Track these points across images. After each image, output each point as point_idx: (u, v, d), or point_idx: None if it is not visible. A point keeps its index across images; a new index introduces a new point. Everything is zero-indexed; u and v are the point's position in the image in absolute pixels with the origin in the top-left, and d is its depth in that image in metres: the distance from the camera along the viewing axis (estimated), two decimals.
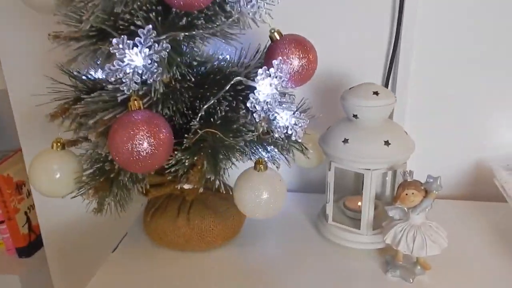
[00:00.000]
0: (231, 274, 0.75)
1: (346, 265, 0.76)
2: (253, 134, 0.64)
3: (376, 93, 0.73)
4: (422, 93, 0.94)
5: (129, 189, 0.67)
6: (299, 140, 0.69)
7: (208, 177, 0.63)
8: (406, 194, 0.68)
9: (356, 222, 0.80)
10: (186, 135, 0.64)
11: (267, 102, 0.63)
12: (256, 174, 0.67)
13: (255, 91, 0.61)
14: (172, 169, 0.63)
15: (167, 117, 0.65)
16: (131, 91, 0.57)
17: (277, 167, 0.84)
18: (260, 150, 0.80)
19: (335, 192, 0.88)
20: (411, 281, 0.71)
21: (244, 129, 0.65)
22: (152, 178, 0.74)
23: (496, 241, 0.81)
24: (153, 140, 0.55)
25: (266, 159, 0.74)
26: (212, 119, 0.64)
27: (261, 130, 0.63)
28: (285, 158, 0.82)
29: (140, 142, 0.54)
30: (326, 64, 0.94)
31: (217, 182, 0.65)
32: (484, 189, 0.99)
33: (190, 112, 0.66)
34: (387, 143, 0.73)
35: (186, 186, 0.62)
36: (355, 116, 0.75)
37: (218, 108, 0.65)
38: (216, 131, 0.62)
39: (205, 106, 0.64)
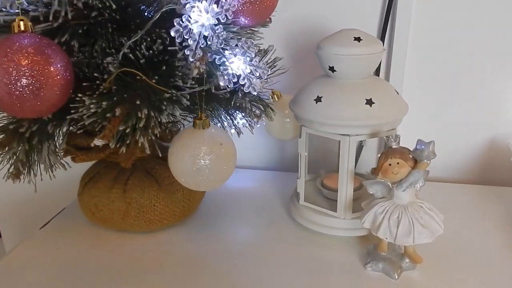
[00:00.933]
0: (175, 264, 0.60)
1: (318, 256, 0.61)
2: (188, 78, 0.50)
3: (358, 39, 0.58)
4: (423, 51, 0.78)
5: (36, 147, 0.53)
6: (255, 93, 0.55)
7: (127, 132, 0.49)
8: (390, 165, 0.53)
9: (333, 204, 0.65)
10: (102, 78, 0.50)
11: (204, 36, 0.48)
12: (192, 132, 0.53)
13: (184, 17, 0.46)
14: (87, 122, 0.50)
15: (86, 56, 0.52)
16: (19, 9, 0.43)
17: (237, 132, 0.70)
18: (220, 110, 0.67)
19: (315, 168, 0.73)
20: (396, 277, 0.55)
21: (179, 73, 0.51)
22: (80, 138, 0.60)
23: (508, 231, 0.65)
24: (37, 74, 0.41)
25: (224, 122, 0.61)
26: (138, 59, 0.50)
27: (195, 72, 0.49)
28: (247, 121, 0.68)
29: (19, 74, 0.41)
30: (308, 16, 0.79)
31: (142, 142, 0.50)
32: (499, 171, 0.82)
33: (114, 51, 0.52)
34: (369, 102, 0.57)
35: (97, 142, 0.48)
36: (331, 69, 0.59)
37: (146, 46, 0.51)
38: (137, 72, 0.48)
39: (130, 42, 0.50)
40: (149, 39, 0.51)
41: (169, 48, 0.50)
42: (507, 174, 0.80)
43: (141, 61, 0.50)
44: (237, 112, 0.70)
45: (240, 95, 0.58)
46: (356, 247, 0.62)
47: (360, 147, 0.78)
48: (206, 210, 0.73)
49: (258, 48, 0.57)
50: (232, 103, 0.58)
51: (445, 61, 0.78)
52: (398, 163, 0.52)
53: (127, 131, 0.49)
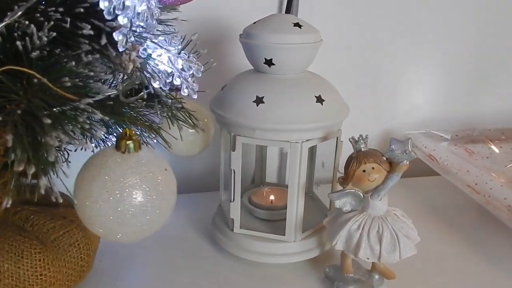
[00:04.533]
0: None
1: None
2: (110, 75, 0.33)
3: (297, 25, 0.48)
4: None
5: None
6: (195, 96, 0.40)
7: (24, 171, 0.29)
8: (364, 171, 0.44)
9: (272, 225, 0.54)
10: None
11: (138, 15, 0.32)
12: (118, 157, 0.35)
13: None
14: None
15: None
16: None
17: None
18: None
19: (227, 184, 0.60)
20: None
21: (88, 73, 0.33)
22: None
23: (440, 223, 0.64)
24: None
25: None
26: (26, 52, 0.30)
27: (130, 68, 0.32)
28: (162, 137, 0.52)
29: None
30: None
31: (44, 181, 0.31)
32: None
33: None
34: (319, 99, 0.48)
35: None
36: (268, 62, 0.48)
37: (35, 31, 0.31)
38: (30, 72, 0.29)
39: (3, 24, 0.30)
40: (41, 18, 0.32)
41: (81, 32, 0.31)
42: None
43: (33, 54, 0.30)
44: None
45: (163, 101, 0.42)
46: (312, 272, 0.52)
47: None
48: (98, 262, 0.53)
49: (181, 38, 0.42)
50: (159, 112, 0.41)
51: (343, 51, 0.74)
52: (373, 168, 0.44)
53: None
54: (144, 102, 0.43)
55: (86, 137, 0.44)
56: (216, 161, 0.58)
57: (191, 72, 0.41)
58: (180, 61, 0.39)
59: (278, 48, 0.47)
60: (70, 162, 0.47)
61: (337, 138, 0.52)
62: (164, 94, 0.42)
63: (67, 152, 0.48)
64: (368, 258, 0.45)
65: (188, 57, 0.41)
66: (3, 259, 0.41)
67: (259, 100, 0.47)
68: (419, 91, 0.80)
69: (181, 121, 0.47)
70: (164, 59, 0.38)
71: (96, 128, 0.32)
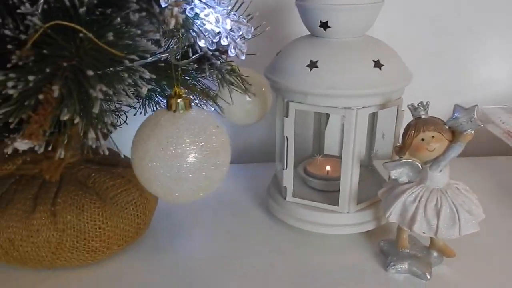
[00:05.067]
0: None
1: (323, 263, 0.48)
2: (158, 35, 0.33)
3: None
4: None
5: None
6: (243, 57, 0.40)
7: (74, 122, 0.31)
8: (422, 140, 0.42)
9: (326, 196, 0.53)
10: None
11: None
12: (169, 116, 0.36)
13: None
14: None
15: None
16: None
17: None
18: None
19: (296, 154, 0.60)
20: (428, 276, 0.45)
21: (136, 31, 0.34)
22: None
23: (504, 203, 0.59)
24: None
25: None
26: (74, 7, 0.32)
27: (172, 23, 0.32)
28: (216, 103, 0.53)
29: None
30: None
31: (93, 138, 0.33)
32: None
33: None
34: (378, 64, 0.45)
35: (20, 145, 0.29)
36: (324, 25, 0.46)
37: None
38: (78, 27, 0.30)
39: None
40: None
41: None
42: (484, 143, 0.74)
43: (80, 10, 0.31)
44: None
45: (213, 64, 0.42)
46: (366, 246, 0.51)
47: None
48: (156, 223, 0.55)
49: None
50: (208, 74, 0.42)
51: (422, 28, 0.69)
52: (433, 136, 0.41)
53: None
54: (195, 65, 0.43)
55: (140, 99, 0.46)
56: (275, 130, 0.58)
57: (240, 33, 0.40)
58: (228, 22, 0.39)
59: (334, 9, 0.45)
60: (127, 124, 0.50)
61: (397, 107, 0.49)
62: (213, 56, 0.42)
63: (126, 115, 0.51)
64: (424, 233, 0.43)
65: (238, 18, 0.41)
66: (66, 211, 0.44)
67: (312, 65, 0.46)
68: (497, 63, 0.72)
69: (232, 85, 0.47)
70: (211, 19, 0.38)
71: (142, 85, 0.33)
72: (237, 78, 0.47)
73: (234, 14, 0.40)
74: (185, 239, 0.53)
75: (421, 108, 0.42)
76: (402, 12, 0.68)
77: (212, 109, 0.59)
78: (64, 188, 0.45)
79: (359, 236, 0.52)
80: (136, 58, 0.33)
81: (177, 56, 0.38)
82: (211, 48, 0.38)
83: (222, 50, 0.41)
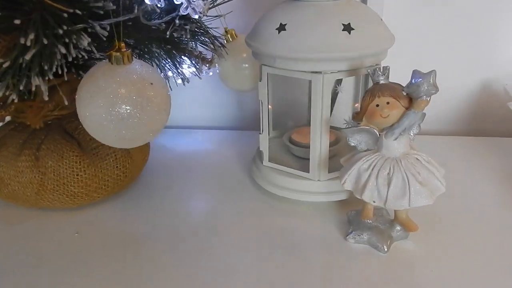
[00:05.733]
0: (109, 247, 0.47)
1: (288, 227, 0.49)
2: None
3: None
4: None
5: None
6: (195, 16, 0.41)
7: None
8: (377, 106, 0.40)
9: (307, 164, 0.53)
10: None
11: None
12: (109, 70, 0.38)
13: None
14: None
15: None
16: None
17: (184, 80, 0.56)
18: (161, 56, 0.52)
19: (282, 124, 0.60)
20: (385, 249, 0.44)
21: None
22: None
23: (507, 188, 0.55)
24: None
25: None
26: None
27: None
28: (196, 68, 0.54)
29: None
30: None
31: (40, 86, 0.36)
32: (494, 119, 0.71)
33: None
34: (347, 27, 0.44)
35: None
36: None
37: None
38: None
39: None
40: None
41: None
42: (504, 123, 0.69)
43: None
44: (182, 58, 0.56)
45: (177, 23, 0.44)
46: (335, 215, 0.50)
47: (334, 93, 0.65)
48: (149, 179, 0.59)
49: None
50: (168, 33, 0.43)
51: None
52: (388, 102, 0.40)
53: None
54: (164, 25, 0.45)
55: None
56: None
57: None
58: None
59: None
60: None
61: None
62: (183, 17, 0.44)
63: None
64: (374, 201, 0.42)
65: None
66: (48, 157, 0.48)
67: (281, 28, 0.45)
68: None
69: (204, 45, 0.48)
70: None
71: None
72: (211, 40, 0.48)
73: None
74: (169, 195, 0.56)
75: (379, 73, 0.41)
76: None
77: (211, 73, 0.62)
78: (50, 137, 0.50)
79: (331, 205, 0.51)
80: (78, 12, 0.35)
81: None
82: (159, 6, 0.39)
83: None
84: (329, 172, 0.50)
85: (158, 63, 0.52)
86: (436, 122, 0.72)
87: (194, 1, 0.41)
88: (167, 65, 0.55)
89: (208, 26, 0.55)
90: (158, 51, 0.50)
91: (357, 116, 0.42)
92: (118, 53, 0.38)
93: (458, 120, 0.72)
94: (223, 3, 0.51)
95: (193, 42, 0.53)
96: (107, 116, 0.37)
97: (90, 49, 0.39)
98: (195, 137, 0.72)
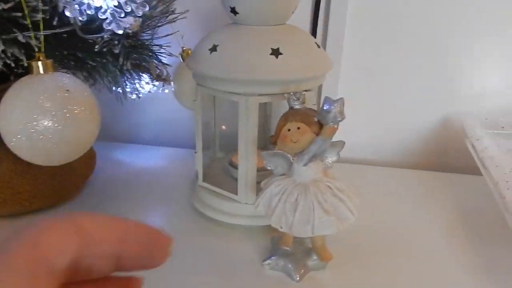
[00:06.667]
0: None
1: (211, 250, 0.48)
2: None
3: None
4: (365, 19, 0.65)
5: None
6: (119, 31, 0.42)
7: None
8: (289, 130, 0.40)
9: None
10: None
11: None
12: (28, 79, 0.39)
13: None
14: None
15: None
16: None
17: (137, 95, 0.57)
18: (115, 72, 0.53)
19: (233, 144, 0.60)
20: (297, 279, 0.43)
21: None
22: None
23: (454, 224, 0.53)
24: None
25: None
26: None
27: None
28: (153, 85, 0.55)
29: None
30: None
31: None
32: (453, 155, 0.70)
33: None
34: (276, 52, 0.44)
35: None
36: (233, 10, 0.46)
37: None
38: None
39: None
40: None
41: None
42: (463, 159, 0.67)
43: None
44: (141, 74, 0.57)
45: (106, 38, 0.45)
46: (261, 239, 0.49)
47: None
48: (91, 192, 0.59)
49: None
50: (97, 47, 0.44)
51: (389, 32, 0.65)
52: (299, 127, 0.39)
53: None
54: (103, 41, 0.46)
55: None
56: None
57: (129, 9, 0.42)
58: None
59: None
60: None
61: (306, 100, 0.47)
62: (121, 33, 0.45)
63: None
64: (281, 227, 0.41)
65: None
66: None
67: (213, 48, 0.46)
68: (491, 76, 0.65)
69: (137, 65, 0.49)
70: None
71: None
72: (148, 57, 0.49)
73: None
74: (109, 210, 0.56)
75: (294, 98, 0.41)
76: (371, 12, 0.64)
77: (166, 90, 0.63)
78: None
79: (262, 229, 0.50)
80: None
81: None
82: (81, 19, 0.40)
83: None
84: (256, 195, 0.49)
85: (105, 77, 0.53)
86: (398, 154, 0.71)
87: (121, 17, 0.42)
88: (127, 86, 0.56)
89: (165, 44, 0.57)
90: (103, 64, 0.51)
91: (273, 140, 0.42)
92: (38, 62, 0.39)
93: (418, 154, 0.71)
94: (166, 23, 0.52)
95: (146, 57, 0.54)
96: (24, 127, 0.38)
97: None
98: (152, 153, 0.72)
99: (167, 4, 0.50)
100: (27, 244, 0.17)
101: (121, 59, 0.46)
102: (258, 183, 0.52)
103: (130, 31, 0.43)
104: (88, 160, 0.58)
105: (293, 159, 0.41)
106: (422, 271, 0.45)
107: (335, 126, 0.38)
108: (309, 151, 0.39)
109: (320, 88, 0.68)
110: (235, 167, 0.55)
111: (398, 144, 0.71)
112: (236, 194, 0.50)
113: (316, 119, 0.39)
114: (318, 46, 0.48)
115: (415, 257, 0.47)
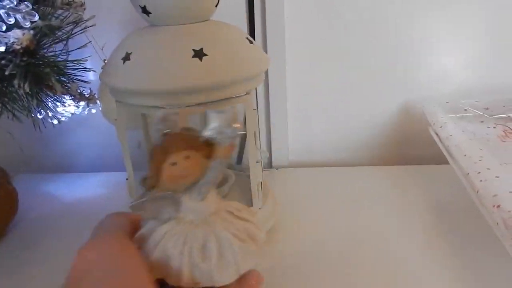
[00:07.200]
0: None
1: None
2: None
3: None
4: (308, 13, 0.59)
5: None
6: (11, 47, 0.34)
7: None
8: (174, 164, 0.29)
9: None
10: None
11: None
12: None
13: None
14: None
15: None
16: None
17: (58, 120, 0.50)
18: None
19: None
20: None
21: None
22: None
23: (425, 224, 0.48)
24: None
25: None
26: None
27: None
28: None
29: None
30: None
31: None
32: (416, 145, 0.65)
33: None
34: (199, 53, 0.37)
35: None
36: (144, 10, 0.39)
37: None
38: None
39: None
40: None
41: None
42: (427, 148, 0.62)
43: None
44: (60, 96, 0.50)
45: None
46: None
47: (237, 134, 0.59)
48: (18, 232, 0.51)
49: None
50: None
51: (336, 15, 0.59)
52: (187, 157, 0.30)
53: None
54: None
55: None
56: None
57: (12, 21, 0.35)
58: None
59: None
60: None
61: (244, 105, 0.41)
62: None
63: None
64: (198, 283, 0.30)
65: (17, 5, 0.35)
66: None
67: (126, 57, 0.39)
68: (446, 56, 0.60)
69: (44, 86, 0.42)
70: None
71: None
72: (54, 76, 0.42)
73: (10, 0, 0.35)
74: (37, 251, 0.48)
75: (159, 121, 0.30)
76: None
77: (93, 110, 0.56)
78: None
79: None
80: None
81: None
82: None
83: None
84: None
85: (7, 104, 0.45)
86: (357, 150, 0.66)
87: (2, 31, 0.34)
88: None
89: (83, 58, 0.49)
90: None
91: (150, 183, 0.30)
92: None
93: (378, 147, 0.66)
94: (78, 33, 0.44)
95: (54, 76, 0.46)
96: None
97: None
98: (90, 181, 0.64)
99: (70, 11, 0.43)
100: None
101: (15, 82, 0.38)
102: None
103: (19, 47, 0.35)
104: (8, 198, 0.50)
105: (181, 198, 0.31)
106: (399, 276, 0.40)
107: (234, 143, 0.30)
108: (207, 181, 0.30)
109: (267, 87, 0.61)
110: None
111: (356, 140, 0.66)
112: None
113: (203, 141, 0.30)
114: (251, 42, 0.42)
115: (392, 262, 0.42)
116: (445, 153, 0.49)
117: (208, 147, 0.30)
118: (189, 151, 0.29)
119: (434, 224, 0.48)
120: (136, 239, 0.31)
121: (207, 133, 0.30)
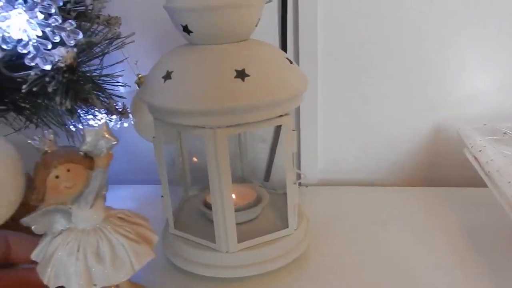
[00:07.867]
0: None
1: None
2: None
3: None
4: (338, 24, 0.59)
5: None
6: (45, 67, 0.34)
7: None
8: (57, 177, 0.33)
9: None
10: None
11: None
12: None
13: None
14: None
15: None
16: None
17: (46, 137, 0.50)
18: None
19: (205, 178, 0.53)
20: None
21: None
22: None
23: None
24: None
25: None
26: None
27: None
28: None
29: None
30: None
31: None
32: (449, 167, 0.63)
33: None
34: (241, 74, 0.37)
35: None
36: (186, 29, 0.39)
37: None
38: None
39: None
40: None
41: None
42: (460, 170, 0.61)
43: None
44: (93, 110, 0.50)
45: (32, 74, 0.37)
46: None
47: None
48: None
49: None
50: (24, 87, 0.36)
51: (367, 36, 0.59)
52: (68, 170, 0.33)
53: None
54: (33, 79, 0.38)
55: None
56: None
57: (58, 39, 0.35)
58: (38, 28, 0.34)
59: (192, 12, 0.38)
60: None
61: (284, 126, 0.41)
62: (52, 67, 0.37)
63: None
64: (95, 285, 0.34)
65: (62, 23, 0.35)
66: None
67: (167, 76, 0.39)
68: (480, 77, 0.59)
69: (85, 101, 0.42)
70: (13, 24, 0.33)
71: None
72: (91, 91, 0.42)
73: (57, 18, 0.35)
74: None
75: (45, 139, 0.34)
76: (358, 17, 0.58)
77: (126, 124, 0.55)
78: None
79: (247, 281, 0.43)
80: None
81: None
82: None
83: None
84: (239, 242, 0.42)
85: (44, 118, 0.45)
86: (389, 172, 0.65)
87: (47, 49, 0.35)
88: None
89: (117, 73, 0.49)
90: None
91: (36, 197, 0.34)
92: None
93: (412, 168, 0.64)
94: (113, 50, 0.44)
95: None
96: None
97: None
98: (118, 194, 0.64)
99: (109, 28, 0.43)
100: None
101: (57, 99, 0.38)
102: (240, 224, 0.45)
103: (63, 65, 0.36)
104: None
105: (70, 208, 0.34)
106: None
107: (110, 152, 0.34)
108: (91, 190, 0.34)
109: (298, 106, 0.61)
110: (210, 207, 0.48)
111: (386, 160, 0.64)
112: (214, 241, 0.43)
113: (82, 154, 0.34)
114: (291, 62, 0.42)
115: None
116: (484, 177, 0.48)
117: (87, 158, 0.34)
118: (69, 164, 0.33)
119: (469, 248, 0.46)
120: (33, 255, 0.35)
121: (83, 147, 0.34)
